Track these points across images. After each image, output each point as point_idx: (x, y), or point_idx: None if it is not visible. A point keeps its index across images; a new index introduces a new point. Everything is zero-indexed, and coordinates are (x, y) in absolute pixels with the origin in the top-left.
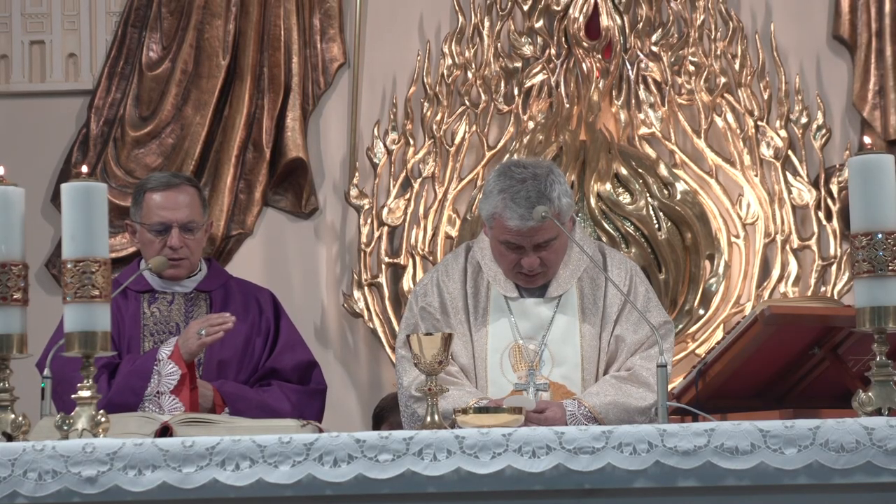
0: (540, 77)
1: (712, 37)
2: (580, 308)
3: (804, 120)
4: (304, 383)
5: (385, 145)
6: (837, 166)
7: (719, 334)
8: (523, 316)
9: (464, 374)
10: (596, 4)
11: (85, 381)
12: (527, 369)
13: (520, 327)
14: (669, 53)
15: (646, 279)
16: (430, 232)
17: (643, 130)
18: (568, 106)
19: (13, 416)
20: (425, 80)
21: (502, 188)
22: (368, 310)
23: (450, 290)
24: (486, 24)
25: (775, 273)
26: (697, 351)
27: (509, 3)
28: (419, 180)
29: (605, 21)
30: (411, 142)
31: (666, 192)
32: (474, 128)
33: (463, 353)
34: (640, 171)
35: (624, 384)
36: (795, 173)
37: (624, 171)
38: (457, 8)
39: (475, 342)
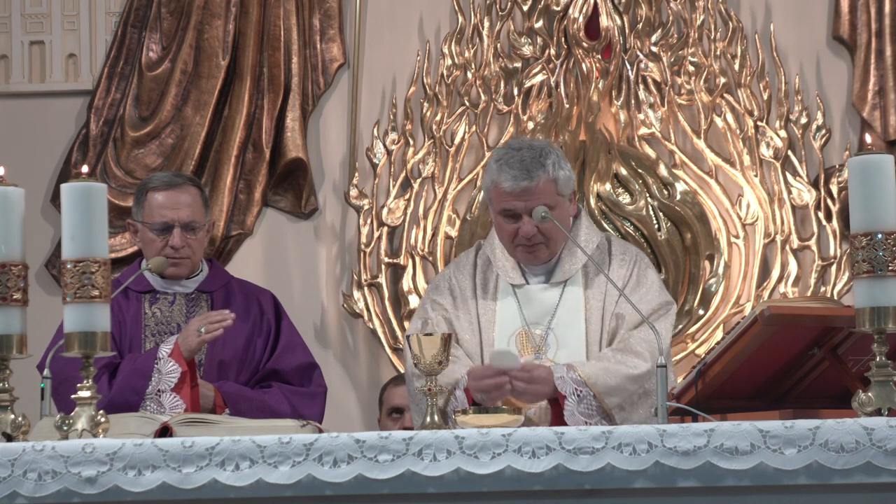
0: (540, 77)
1: (712, 37)
2: (584, 293)
3: (804, 120)
4: (305, 385)
5: (385, 145)
6: (837, 166)
7: (719, 334)
8: (529, 302)
9: (467, 358)
10: (596, 5)
11: (85, 382)
12: (533, 353)
13: (526, 313)
14: (669, 54)
15: (651, 265)
16: (429, 232)
17: (643, 131)
18: (567, 106)
19: (13, 416)
20: (425, 80)
21: (499, 158)
22: (368, 310)
23: (459, 282)
24: (486, 24)
25: (775, 273)
26: (697, 351)
27: (509, 4)
28: (419, 180)
29: (604, 21)
30: (411, 142)
31: (666, 192)
32: (474, 128)
33: (471, 340)
34: (639, 171)
35: (617, 353)
36: (795, 173)
37: (624, 171)
38: (456, 8)
39: (483, 329)
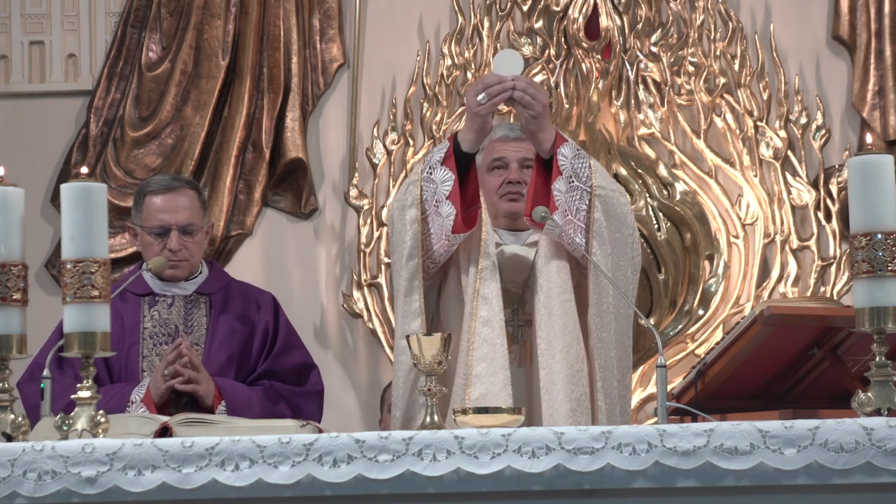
0: (539, 77)
1: (712, 37)
2: (550, 247)
3: (804, 120)
4: (301, 385)
5: (385, 145)
6: (837, 167)
7: (719, 335)
8: (505, 261)
9: None
10: (595, 5)
11: (85, 381)
12: (511, 308)
13: (502, 272)
14: (669, 54)
15: None
16: None
17: (643, 131)
18: (567, 106)
19: (13, 416)
20: (425, 80)
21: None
22: (368, 310)
23: None
24: (486, 24)
25: (775, 273)
26: (697, 351)
27: (509, 4)
28: None
29: (604, 21)
30: (411, 142)
31: (665, 192)
32: None
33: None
34: (639, 171)
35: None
36: (795, 174)
37: (623, 171)
38: (456, 8)
39: (467, 285)
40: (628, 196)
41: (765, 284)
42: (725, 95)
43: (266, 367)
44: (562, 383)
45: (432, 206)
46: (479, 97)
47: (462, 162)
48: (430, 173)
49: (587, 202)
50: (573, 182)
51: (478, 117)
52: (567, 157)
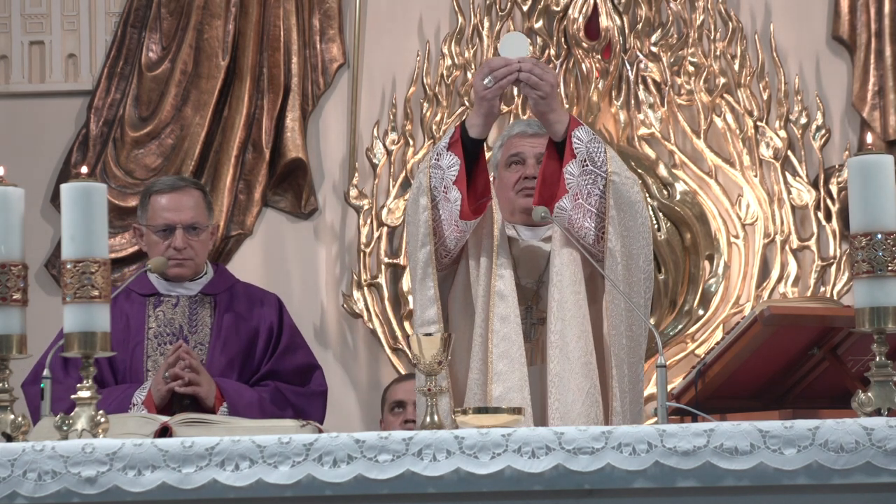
0: None
1: (712, 37)
2: (563, 237)
3: (804, 120)
4: (304, 385)
5: (384, 146)
6: (837, 167)
7: (719, 335)
8: (521, 256)
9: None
10: (595, 5)
11: (85, 382)
12: (525, 305)
13: (518, 268)
14: (669, 54)
15: None
16: None
17: (643, 131)
18: (567, 106)
19: (13, 416)
20: (425, 80)
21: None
22: (368, 310)
23: None
24: (486, 24)
25: (775, 273)
26: (697, 351)
27: (509, 4)
28: None
29: (604, 21)
30: (411, 142)
31: (665, 192)
32: None
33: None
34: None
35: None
36: (795, 174)
37: None
38: (456, 8)
39: (478, 278)
40: (640, 184)
41: (765, 284)
42: (725, 95)
43: (269, 367)
44: (573, 376)
45: (441, 192)
46: (486, 81)
47: (470, 149)
48: (438, 160)
49: (601, 187)
50: (587, 166)
51: (485, 101)
52: (582, 141)
